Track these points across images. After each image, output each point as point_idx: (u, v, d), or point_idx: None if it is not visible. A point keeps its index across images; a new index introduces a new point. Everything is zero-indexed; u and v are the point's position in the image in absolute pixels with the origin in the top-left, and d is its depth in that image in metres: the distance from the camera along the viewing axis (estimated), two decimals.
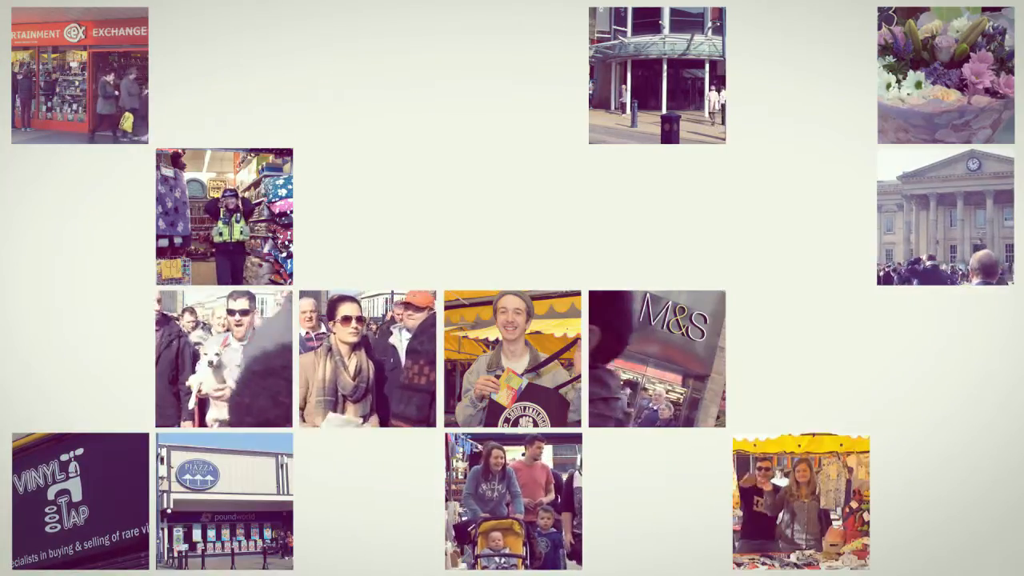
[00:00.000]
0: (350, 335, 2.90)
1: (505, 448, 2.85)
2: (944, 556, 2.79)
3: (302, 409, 2.87)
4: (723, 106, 2.87)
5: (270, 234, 2.97)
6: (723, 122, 2.86)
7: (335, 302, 2.92)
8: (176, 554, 2.83)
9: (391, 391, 2.93)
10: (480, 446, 2.84)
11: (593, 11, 2.85)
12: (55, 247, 2.84)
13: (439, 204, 2.84)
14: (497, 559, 2.82)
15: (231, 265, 3.05)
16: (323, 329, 2.95)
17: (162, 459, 2.82)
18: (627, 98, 2.98)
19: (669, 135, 2.89)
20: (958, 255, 2.92)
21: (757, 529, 2.83)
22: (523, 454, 2.87)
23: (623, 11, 2.96)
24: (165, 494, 2.83)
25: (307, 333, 2.92)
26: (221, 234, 3.07)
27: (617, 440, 2.81)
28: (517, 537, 2.83)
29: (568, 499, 2.86)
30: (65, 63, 2.94)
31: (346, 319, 2.90)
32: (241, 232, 3.07)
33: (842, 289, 2.84)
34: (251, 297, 2.95)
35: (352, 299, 2.91)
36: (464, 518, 2.84)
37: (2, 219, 2.83)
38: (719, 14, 2.88)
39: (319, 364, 2.90)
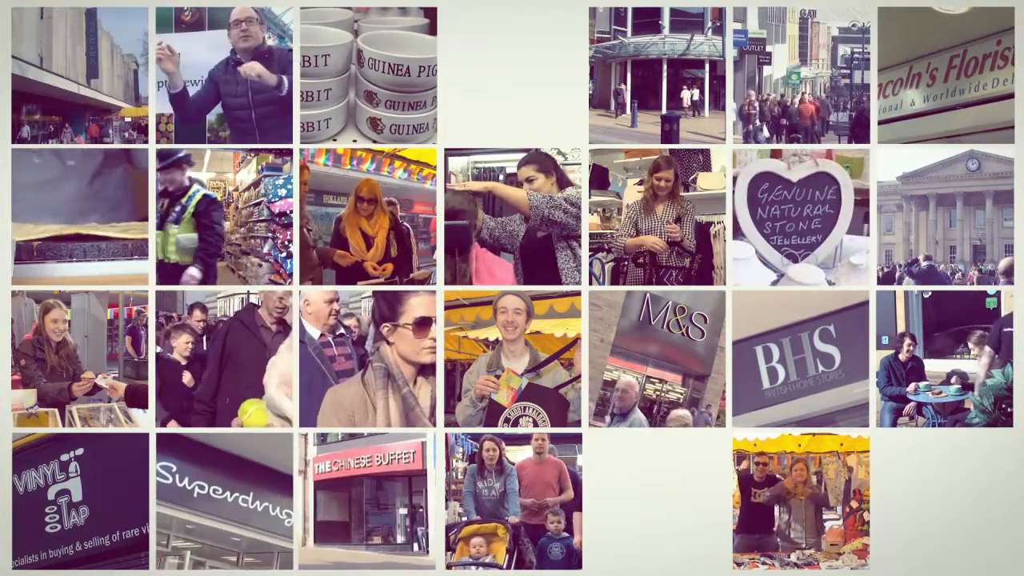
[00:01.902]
0: (426, 352, 2.02)
1: (507, 445, 2.80)
2: (944, 556, 2.79)
3: None
4: (695, 102, 2.90)
5: (270, 234, 2.96)
6: (696, 114, 2.89)
7: (396, 296, 1.95)
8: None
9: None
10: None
11: (593, 11, 2.85)
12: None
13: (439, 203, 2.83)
14: (475, 568, 2.72)
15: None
16: (371, 334, 2.15)
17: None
18: (627, 98, 2.98)
19: (669, 135, 2.89)
20: (958, 255, 2.91)
21: (754, 522, 2.83)
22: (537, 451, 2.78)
23: (623, 11, 2.96)
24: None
25: (322, 335, 2.41)
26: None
27: (617, 440, 2.81)
28: (501, 542, 2.76)
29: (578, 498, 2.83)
30: None
31: (423, 323, 2.01)
32: (177, 246, 2.03)
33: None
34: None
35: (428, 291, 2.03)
36: (463, 518, 2.83)
37: (2, 219, 2.84)
38: (719, 14, 2.88)
39: (377, 401, 1.95)
